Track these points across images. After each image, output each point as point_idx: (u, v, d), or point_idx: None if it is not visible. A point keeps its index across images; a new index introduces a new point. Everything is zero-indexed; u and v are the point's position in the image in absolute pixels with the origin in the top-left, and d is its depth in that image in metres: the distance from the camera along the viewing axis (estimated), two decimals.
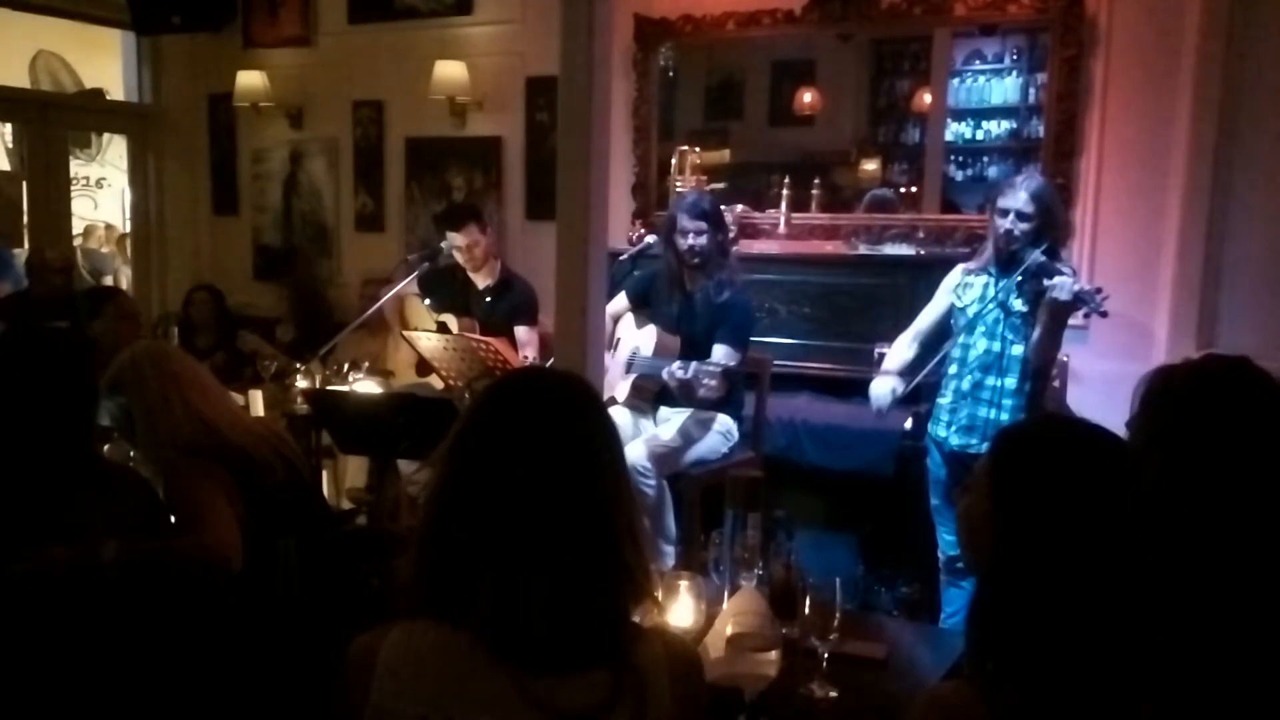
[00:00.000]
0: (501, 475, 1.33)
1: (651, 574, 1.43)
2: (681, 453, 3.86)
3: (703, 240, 3.89)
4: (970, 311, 3.57)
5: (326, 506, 2.66)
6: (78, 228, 7.77)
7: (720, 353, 3.83)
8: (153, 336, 5.11)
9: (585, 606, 1.30)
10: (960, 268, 3.70)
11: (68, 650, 2.00)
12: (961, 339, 3.59)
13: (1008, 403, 3.50)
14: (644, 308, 4.16)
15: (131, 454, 3.09)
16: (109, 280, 7.84)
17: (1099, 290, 3.29)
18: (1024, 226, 3.42)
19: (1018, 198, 3.43)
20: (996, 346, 3.51)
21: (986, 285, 3.56)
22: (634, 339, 4.11)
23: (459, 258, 4.77)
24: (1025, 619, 1.27)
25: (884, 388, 3.66)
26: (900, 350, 3.75)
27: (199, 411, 2.44)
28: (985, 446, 3.47)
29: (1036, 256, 3.38)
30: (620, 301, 4.20)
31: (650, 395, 4.01)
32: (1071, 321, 3.59)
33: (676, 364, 3.67)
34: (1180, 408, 1.73)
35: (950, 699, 1.30)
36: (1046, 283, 3.31)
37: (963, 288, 3.63)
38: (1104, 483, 1.30)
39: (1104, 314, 3.31)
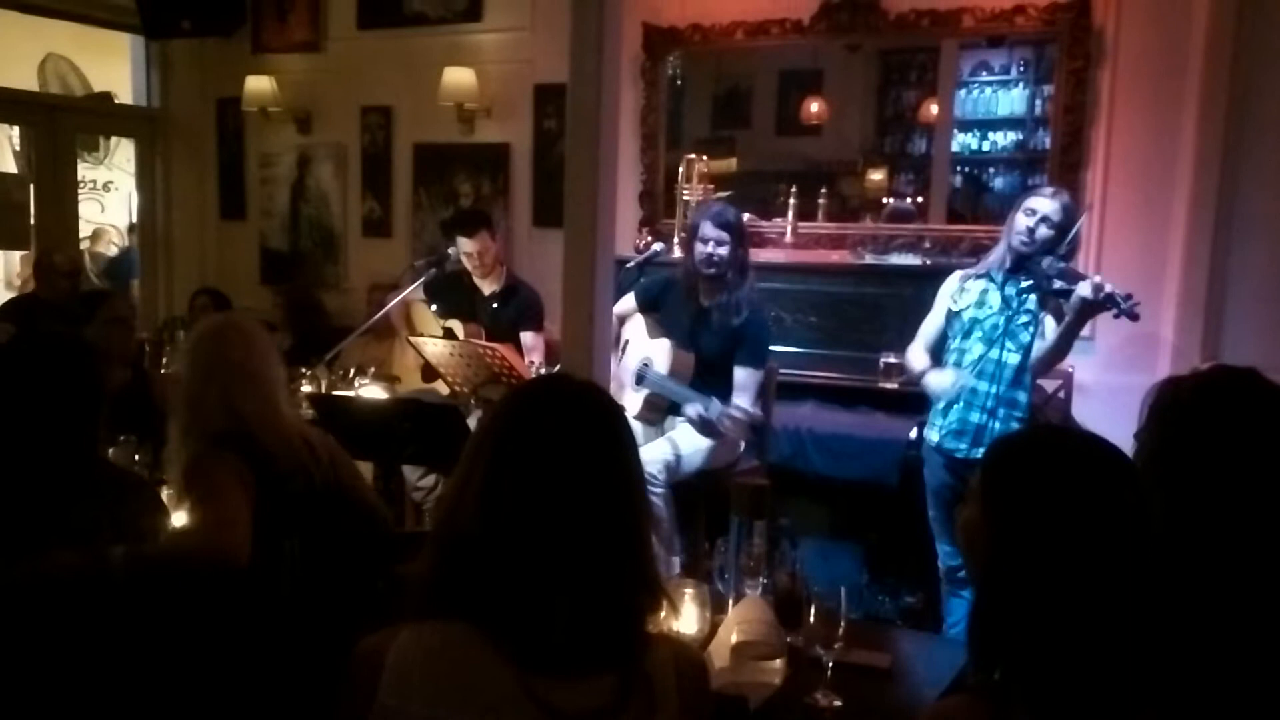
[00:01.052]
0: (525, 481, 1.33)
1: (663, 581, 1.44)
2: (688, 461, 3.86)
3: (723, 251, 3.82)
4: (966, 316, 3.57)
5: (361, 511, 2.64)
6: (86, 231, 7.76)
7: (742, 375, 3.82)
8: (157, 340, 5.10)
9: (604, 612, 1.31)
10: (958, 274, 3.69)
11: (71, 653, 2.00)
12: (957, 343, 3.59)
13: (1001, 410, 3.49)
14: (652, 312, 4.15)
15: (136, 456, 3.10)
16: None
17: (1129, 296, 3.27)
18: (1046, 232, 3.43)
19: (1050, 204, 3.45)
20: (994, 353, 3.49)
21: (986, 290, 3.55)
22: (644, 348, 4.08)
23: (467, 264, 4.78)
24: (1019, 628, 1.27)
25: (945, 379, 3.57)
26: (920, 355, 3.72)
27: (233, 402, 2.42)
28: (975, 452, 3.49)
29: (1055, 262, 3.38)
30: (628, 303, 4.18)
31: (661, 411, 4.00)
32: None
33: (698, 404, 3.65)
34: (1189, 419, 1.73)
35: (958, 715, 1.30)
36: (1073, 286, 3.29)
37: (959, 292, 3.62)
38: (1096, 491, 1.30)
39: (1135, 316, 3.27)
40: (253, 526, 2.30)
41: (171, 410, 2.50)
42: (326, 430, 4.07)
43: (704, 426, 3.67)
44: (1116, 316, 3.30)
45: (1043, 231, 3.43)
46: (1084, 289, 3.25)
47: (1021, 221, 3.47)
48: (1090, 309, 3.30)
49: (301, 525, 2.46)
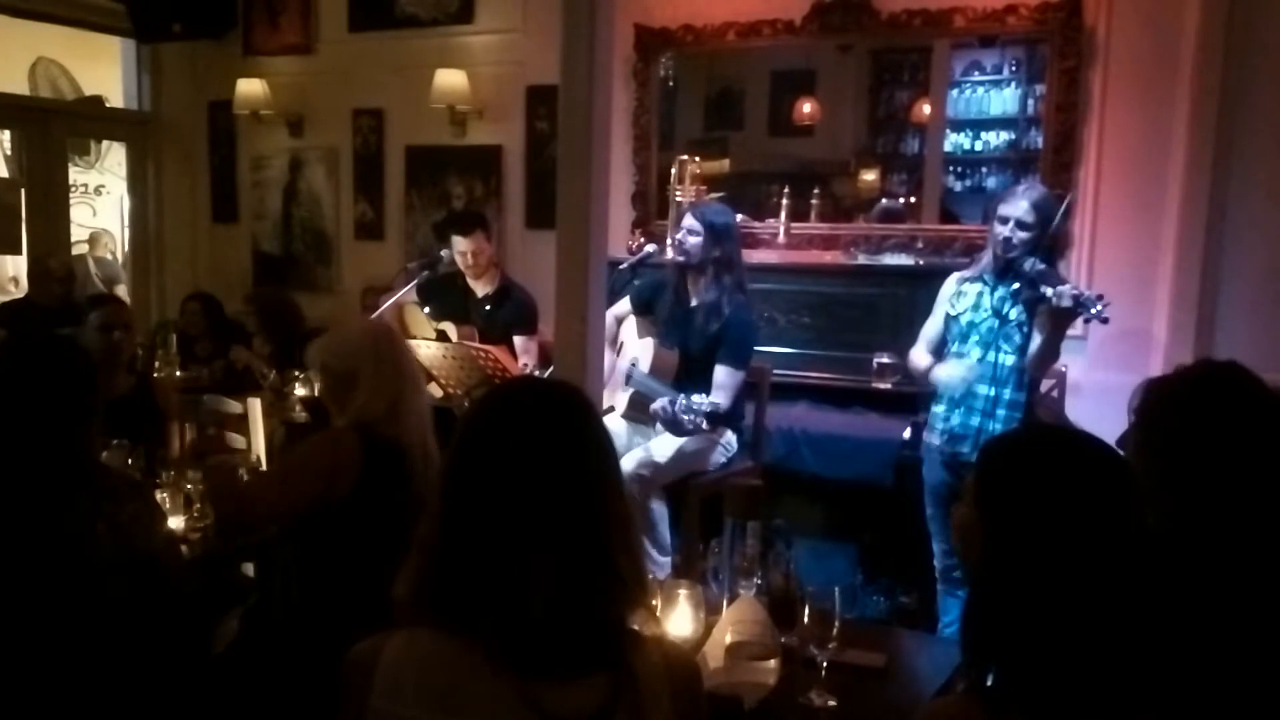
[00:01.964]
0: (496, 483, 1.33)
1: (646, 581, 1.43)
2: (678, 464, 3.86)
3: (694, 240, 3.91)
4: (964, 320, 3.58)
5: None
6: (80, 235, 7.75)
7: (721, 374, 3.83)
8: (150, 344, 5.08)
9: (580, 613, 1.31)
10: (955, 276, 3.71)
11: (59, 654, 1.99)
12: (955, 347, 3.61)
13: (1001, 412, 3.50)
14: (647, 314, 4.17)
15: (129, 460, 3.09)
16: (122, 288, 7.84)
17: (1100, 296, 3.30)
18: (1023, 235, 3.44)
19: (1019, 206, 3.46)
20: (991, 356, 3.51)
21: (981, 294, 3.57)
22: (633, 348, 4.10)
23: (461, 264, 4.78)
24: (1013, 627, 1.27)
25: (956, 372, 3.56)
26: (923, 355, 3.73)
27: (401, 404, 2.52)
28: (976, 455, 3.49)
29: (1035, 264, 3.40)
30: (624, 305, 4.21)
31: (647, 410, 4.01)
32: (1070, 331, 3.60)
33: (664, 400, 3.66)
34: (1179, 415, 1.73)
35: (953, 715, 1.30)
36: (1047, 290, 3.32)
37: (956, 295, 3.64)
38: (1089, 489, 1.30)
39: (1105, 320, 3.31)
40: (368, 524, 2.39)
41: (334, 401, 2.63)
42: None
43: (669, 423, 3.69)
44: (1087, 322, 3.33)
45: (1020, 235, 3.45)
46: (1056, 297, 3.28)
47: (998, 230, 3.50)
48: (1063, 315, 3.33)
49: (381, 524, 2.46)
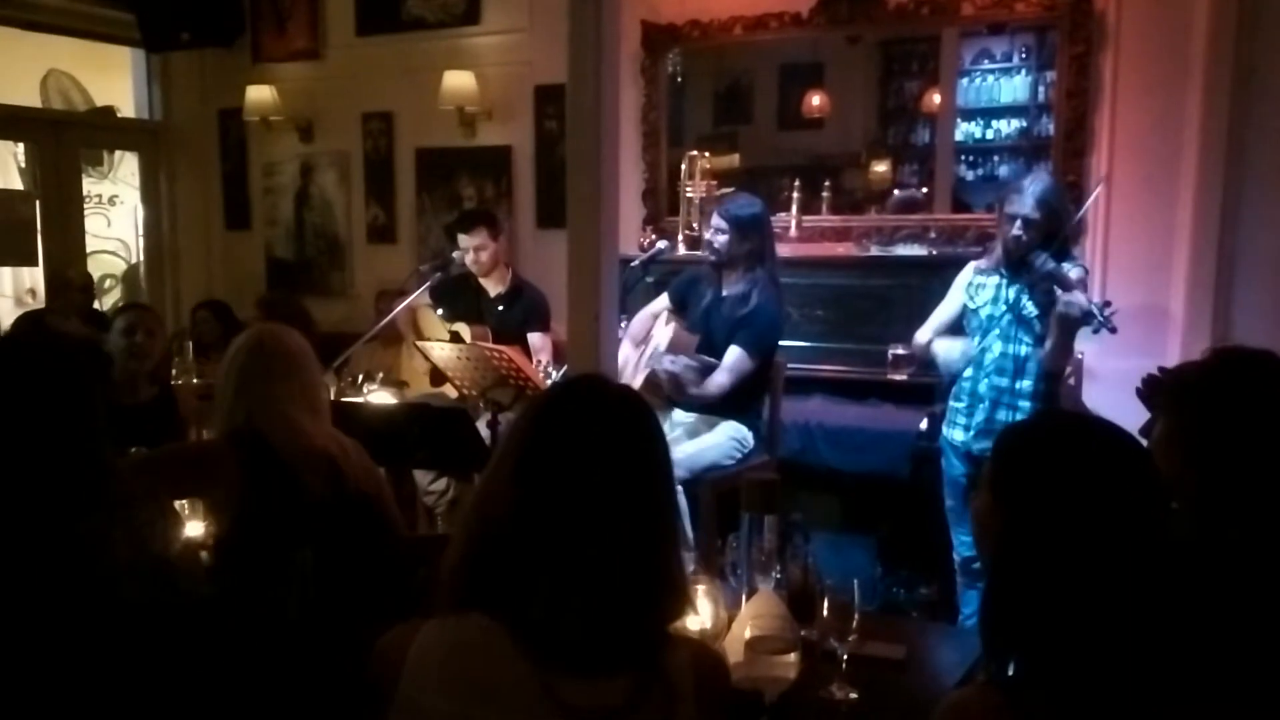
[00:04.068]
0: (560, 477, 1.34)
1: (690, 583, 1.44)
2: (694, 458, 3.86)
3: (721, 239, 3.92)
4: (984, 314, 3.56)
5: (392, 524, 2.72)
6: (95, 245, 7.78)
7: (733, 353, 3.84)
8: (168, 353, 5.10)
9: (626, 612, 1.32)
10: (972, 266, 3.68)
11: (72, 662, 2.00)
12: (977, 341, 3.58)
13: (1025, 404, 3.48)
14: (681, 312, 4.17)
15: None
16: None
17: (1107, 304, 3.29)
18: (1031, 232, 3.41)
19: (1024, 204, 3.42)
20: (1012, 349, 3.49)
21: (999, 286, 3.55)
22: (658, 334, 4.11)
23: (468, 263, 4.79)
24: (1033, 615, 1.26)
25: (955, 349, 3.58)
26: (925, 332, 3.73)
27: (254, 416, 2.49)
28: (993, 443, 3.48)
29: (1045, 262, 3.35)
30: (661, 301, 4.23)
31: (663, 392, 4.01)
32: None
33: (667, 358, 3.68)
34: (1211, 401, 1.72)
35: (975, 705, 1.29)
36: (1061, 298, 3.28)
37: (975, 288, 3.61)
38: (1107, 476, 1.29)
39: (1113, 330, 3.28)
40: (258, 536, 2.39)
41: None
42: None
43: (670, 381, 3.78)
44: (1095, 331, 3.30)
45: (1030, 233, 3.41)
46: (1064, 307, 3.26)
47: (1006, 229, 3.46)
48: (1070, 323, 3.31)
49: (315, 535, 2.47)
